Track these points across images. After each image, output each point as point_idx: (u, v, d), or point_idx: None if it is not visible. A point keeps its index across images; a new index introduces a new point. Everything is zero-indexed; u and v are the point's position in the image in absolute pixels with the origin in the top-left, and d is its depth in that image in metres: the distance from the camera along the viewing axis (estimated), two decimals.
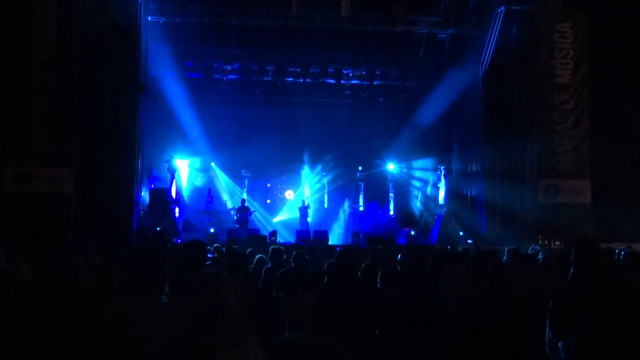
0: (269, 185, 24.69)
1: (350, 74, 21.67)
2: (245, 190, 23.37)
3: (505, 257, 8.97)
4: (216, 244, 11.84)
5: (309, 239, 18.03)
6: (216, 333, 2.87)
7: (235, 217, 20.40)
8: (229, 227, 19.59)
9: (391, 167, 23.91)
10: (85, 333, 3.39)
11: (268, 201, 24.34)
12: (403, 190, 23.71)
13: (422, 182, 22.65)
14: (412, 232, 19.88)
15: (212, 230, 18.78)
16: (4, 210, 14.90)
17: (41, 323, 4.17)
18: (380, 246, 13.89)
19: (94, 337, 3.18)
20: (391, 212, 23.00)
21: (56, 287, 4.56)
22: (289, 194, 24.62)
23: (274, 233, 18.41)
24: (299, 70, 20.87)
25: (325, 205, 24.37)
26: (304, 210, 21.98)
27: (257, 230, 19.54)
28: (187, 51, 19.57)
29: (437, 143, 21.74)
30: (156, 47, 18.74)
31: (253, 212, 21.62)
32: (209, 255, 6.98)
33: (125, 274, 4.26)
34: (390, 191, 23.81)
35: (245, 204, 20.76)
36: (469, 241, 17.05)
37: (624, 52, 17.11)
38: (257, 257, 8.55)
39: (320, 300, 4.55)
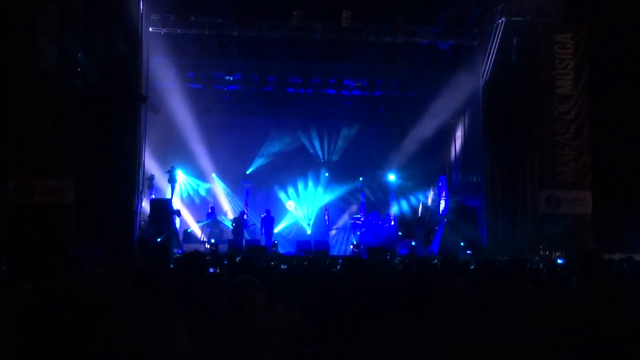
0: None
1: (351, 85, 21.70)
2: (246, 200, 23.36)
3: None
4: (216, 254, 11.84)
5: (310, 249, 17.99)
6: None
7: (232, 227, 20.41)
8: (230, 238, 19.60)
9: (392, 177, 23.89)
10: (88, 345, 3.38)
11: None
12: (404, 201, 23.68)
13: (423, 192, 22.63)
14: (413, 243, 19.81)
15: (212, 240, 18.78)
16: (6, 222, 14.92)
17: (42, 335, 4.16)
18: (381, 256, 13.88)
19: (97, 349, 3.18)
20: (392, 223, 22.97)
21: (58, 299, 4.56)
22: (289, 205, 24.58)
23: (274, 244, 18.39)
24: (299, 81, 20.91)
25: (326, 216, 24.34)
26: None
27: (258, 241, 19.53)
28: (188, 62, 19.61)
29: (437, 153, 21.74)
30: (157, 58, 18.80)
31: (252, 225, 21.59)
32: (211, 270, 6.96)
33: (129, 286, 4.26)
34: (391, 201, 23.79)
35: (244, 217, 20.78)
36: (469, 252, 17.02)
37: (624, 62, 17.11)
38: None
39: (328, 313, 4.53)
